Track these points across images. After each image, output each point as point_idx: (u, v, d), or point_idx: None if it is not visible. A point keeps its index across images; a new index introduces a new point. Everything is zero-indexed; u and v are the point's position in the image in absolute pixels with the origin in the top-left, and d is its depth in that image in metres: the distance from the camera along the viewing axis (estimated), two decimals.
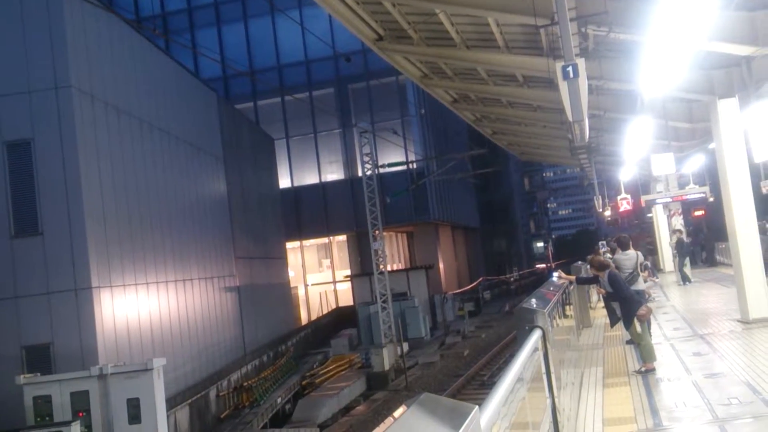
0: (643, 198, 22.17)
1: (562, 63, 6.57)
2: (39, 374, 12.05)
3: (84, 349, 13.19)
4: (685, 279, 19.62)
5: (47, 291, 13.37)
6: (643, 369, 8.89)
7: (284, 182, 33.70)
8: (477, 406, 2.32)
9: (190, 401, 15.94)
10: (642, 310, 9.04)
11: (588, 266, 10.16)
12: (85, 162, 13.94)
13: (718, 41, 8.94)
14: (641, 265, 11.47)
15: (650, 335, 10.86)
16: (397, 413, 2.34)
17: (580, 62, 6.58)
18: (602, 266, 9.97)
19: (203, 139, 21.48)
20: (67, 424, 10.89)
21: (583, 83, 6.61)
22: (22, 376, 11.87)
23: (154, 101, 18.02)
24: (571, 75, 6.48)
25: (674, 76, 9.90)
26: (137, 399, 11.95)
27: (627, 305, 9.15)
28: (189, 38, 34.88)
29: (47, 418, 11.56)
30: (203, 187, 21.21)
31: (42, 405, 11.70)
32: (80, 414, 11.65)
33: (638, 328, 9.06)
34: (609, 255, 14.52)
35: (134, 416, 11.92)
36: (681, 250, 20.26)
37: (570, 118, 6.84)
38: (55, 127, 13.65)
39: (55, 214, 13.55)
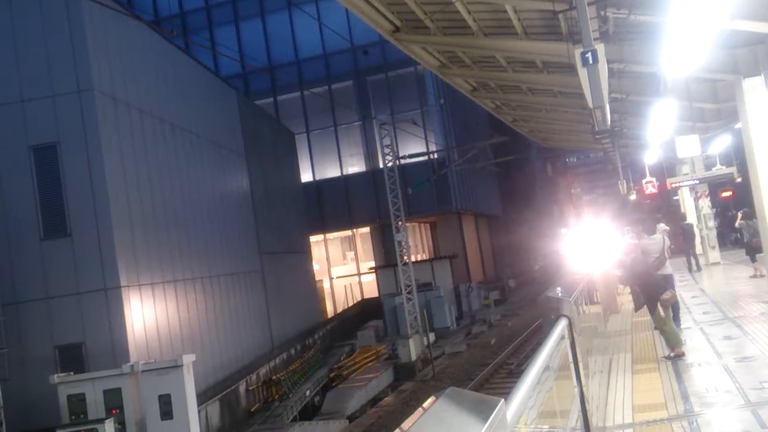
0: (669, 181, 21.85)
1: (581, 49, 6.48)
2: (72, 373, 12.28)
3: (115, 347, 13.41)
4: (691, 266, 19.18)
5: (77, 291, 13.60)
6: (672, 355, 8.79)
7: (306, 176, 33.83)
8: (503, 400, 2.32)
9: (220, 396, 16.15)
10: (666, 295, 8.93)
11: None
12: (109, 163, 14.13)
13: (741, 19, 8.75)
14: (667, 249, 11.34)
15: (679, 321, 10.78)
16: (423, 407, 2.35)
17: (600, 47, 6.48)
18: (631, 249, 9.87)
19: (225, 136, 21.63)
20: (101, 421, 11.09)
21: (602, 69, 6.51)
22: (55, 376, 12.10)
23: (175, 101, 18.18)
24: (591, 61, 6.38)
25: (697, 56, 9.72)
26: (168, 395, 12.12)
27: (649, 290, 9.06)
28: (208, 36, 35.08)
29: (81, 416, 11.79)
30: (226, 183, 21.37)
31: (76, 403, 11.93)
32: (113, 411, 11.85)
33: (662, 313, 8.95)
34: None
35: (166, 412, 12.10)
36: (688, 236, 19.86)
37: (590, 105, 6.75)
38: (79, 130, 13.85)
39: (82, 215, 13.77)
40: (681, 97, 14.40)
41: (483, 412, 2.24)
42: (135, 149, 15.40)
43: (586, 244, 15.62)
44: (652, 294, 9.01)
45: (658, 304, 8.94)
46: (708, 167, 21.79)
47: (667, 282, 11.13)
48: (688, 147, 16.07)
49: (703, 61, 10.24)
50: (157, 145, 16.60)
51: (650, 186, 28.79)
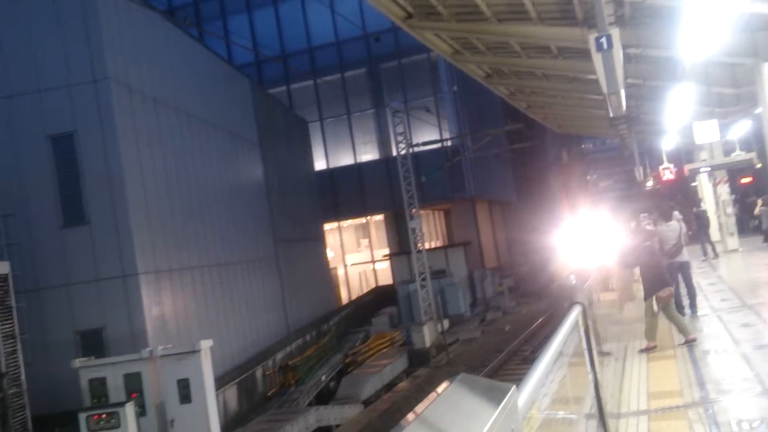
0: (687, 167, 21.64)
1: (596, 34, 6.41)
2: (93, 358, 12.49)
3: (134, 332, 13.61)
4: (707, 253, 18.99)
5: (96, 278, 13.79)
6: (644, 347, 8.87)
7: (320, 164, 33.87)
8: (514, 386, 2.35)
9: (237, 380, 16.33)
10: (663, 292, 8.93)
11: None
12: (126, 152, 14.25)
13: (761, 1, 8.62)
14: (684, 235, 11.28)
15: (696, 308, 10.73)
16: (435, 393, 2.38)
17: (614, 32, 6.41)
18: (646, 237, 9.87)
19: (239, 125, 21.71)
20: (122, 405, 11.27)
21: (617, 54, 6.45)
22: (77, 360, 12.31)
23: (189, 90, 18.26)
24: (605, 46, 6.32)
25: (716, 40, 9.60)
26: (187, 379, 12.30)
27: (649, 281, 9.10)
28: (221, 25, 35.09)
29: (103, 399, 11.99)
30: (241, 172, 21.48)
31: (97, 387, 12.14)
32: (134, 395, 12.04)
33: (655, 307, 8.99)
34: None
35: (185, 396, 12.28)
36: (701, 223, 19.65)
37: (605, 91, 6.69)
38: (95, 119, 13.97)
39: (100, 203, 13.93)
40: (699, 81, 14.22)
41: (495, 398, 2.27)
42: (150, 138, 15.51)
43: (583, 237, 15.70)
44: (651, 287, 9.05)
45: (653, 298, 8.98)
46: (727, 153, 21.53)
47: (687, 268, 11.10)
48: (707, 132, 15.90)
49: (722, 44, 10.11)
50: (172, 133, 16.71)
51: (668, 172, 28.52)
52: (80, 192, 13.99)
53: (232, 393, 15.94)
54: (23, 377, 12.07)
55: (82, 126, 14.01)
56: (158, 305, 14.46)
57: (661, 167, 29.25)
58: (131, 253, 13.85)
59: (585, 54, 13.19)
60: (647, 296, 9.12)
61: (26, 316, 12.63)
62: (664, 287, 8.96)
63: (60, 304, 13.77)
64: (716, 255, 19.01)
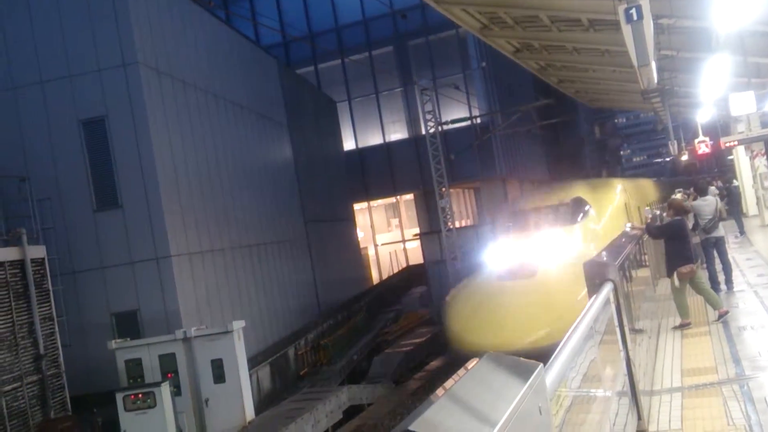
0: (723, 140, 21.10)
1: (625, 5, 6.23)
2: (129, 339, 12.75)
3: (168, 313, 13.85)
4: (742, 230, 18.46)
5: (131, 261, 14.04)
6: (678, 324, 8.75)
7: (349, 144, 33.83)
8: (541, 364, 2.31)
9: (270, 360, 16.55)
10: (684, 269, 8.77)
11: (667, 208, 9.91)
12: (156, 135, 14.40)
13: None
14: (720, 210, 11.04)
15: (731, 283, 10.52)
16: (464, 370, 2.37)
17: (645, 2, 6.21)
18: (681, 210, 9.70)
19: (267, 106, 21.77)
20: (158, 384, 11.52)
21: (648, 25, 6.25)
22: (113, 342, 12.59)
23: (217, 72, 18.34)
24: (635, 17, 6.13)
25: (751, 9, 9.27)
26: (220, 359, 12.51)
27: (672, 256, 8.96)
28: (248, 6, 35.08)
29: (139, 380, 12.27)
30: (270, 153, 21.57)
31: (133, 367, 12.42)
32: (169, 375, 12.30)
33: (676, 283, 8.83)
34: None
35: (219, 376, 12.50)
36: (732, 198, 19.06)
37: (635, 63, 6.51)
38: (126, 103, 14.13)
39: (132, 187, 14.13)
40: (735, 52, 13.79)
41: (522, 375, 2.24)
42: (180, 120, 15.64)
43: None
44: (673, 263, 8.91)
45: (675, 274, 8.82)
46: (765, 125, 20.91)
47: (721, 244, 10.87)
48: (743, 104, 15.43)
49: (758, 13, 9.76)
50: (201, 116, 16.83)
51: (703, 146, 27.87)
52: (112, 176, 14.20)
53: (265, 372, 16.17)
54: (61, 359, 12.40)
55: (113, 110, 14.19)
56: (191, 287, 14.68)
57: (696, 141, 28.59)
58: (164, 236, 14.05)
59: (616, 26, 12.89)
60: (669, 273, 8.99)
61: (63, 299, 12.93)
62: (686, 264, 8.80)
63: (95, 286, 14.06)
64: (742, 232, 18.48)
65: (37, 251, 12.21)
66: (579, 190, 15.46)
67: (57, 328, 12.37)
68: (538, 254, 12.64)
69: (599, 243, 12.02)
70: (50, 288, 12.33)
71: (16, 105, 14.36)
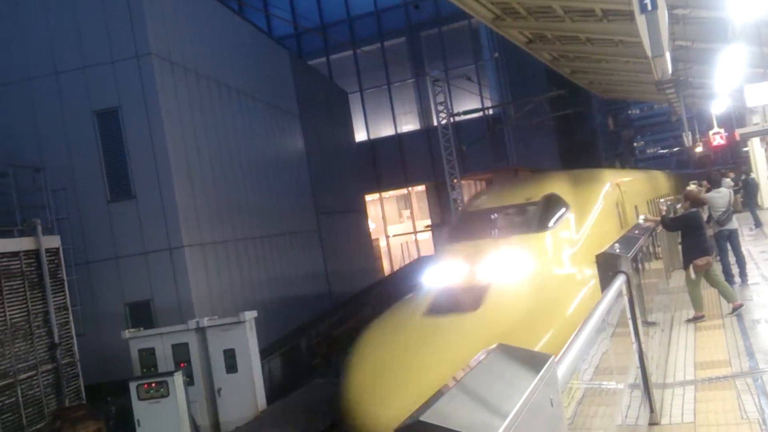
0: (738, 131, 20.89)
1: None
2: (142, 329, 12.86)
3: (181, 303, 13.95)
4: (758, 223, 18.20)
5: (144, 251, 14.14)
6: (691, 317, 8.71)
7: (360, 135, 33.80)
8: (552, 356, 2.31)
9: (282, 351, 16.63)
10: (700, 261, 8.72)
11: (682, 198, 9.83)
12: (169, 126, 14.45)
13: None
14: (734, 202, 10.95)
15: (746, 276, 10.43)
16: (475, 361, 2.37)
17: None
18: (697, 202, 9.64)
19: (279, 97, 21.78)
20: (171, 374, 11.61)
21: (662, 15, 6.18)
22: (127, 331, 12.70)
23: (230, 63, 18.36)
24: (650, 7, 6.07)
25: None
26: (233, 349, 12.58)
27: (688, 249, 8.90)
28: None
29: (152, 369, 12.38)
30: (282, 144, 21.60)
31: (147, 357, 12.53)
32: (182, 364, 12.39)
33: (692, 275, 8.77)
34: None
35: (231, 366, 12.59)
36: (749, 190, 18.78)
37: (649, 54, 6.45)
38: (139, 95, 14.19)
39: (145, 177, 14.21)
40: (751, 42, 13.63)
41: (533, 367, 2.24)
42: (193, 112, 15.69)
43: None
44: (689, 255, 8.87)
45: (691, 266, 8.77)
46: None
47: (734, 236, 10.78)
48: (759, 95, 15.28)
49: None
50: (214, 107, 16.87)
51: (718, 137, 27.61)
52: (126, 167, 14.29)
53: (276, 363, 16.25)
54: (76, 348, 12.52)
55: (126, 101, 14.26)
56: (204, 277, 14.77)
57: (711, 132, 28.32)
58: (177, 226, 14.13)
59: (630, 16, 12.76)
60: (685, 265, 8.94)
61: (77, 288, 13.05)
62: (702, 256, 8.74)
63: (109, 276, 14.18)
64: (757, 224, 18.26)
65: (52, 241, 12.32)
66: (555, 184, 11.18)
67: (71, 318, 12.48)
68: (489, 275, 8.93)
69: (579, 257, 9.36)
70: (65, 278, 12.43)
71: (31, 96, 14.46)
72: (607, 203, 11.53)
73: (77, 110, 14.33)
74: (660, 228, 10.85)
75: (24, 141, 14.21)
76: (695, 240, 8.90)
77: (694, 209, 9.34)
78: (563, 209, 10.20)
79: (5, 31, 14.54)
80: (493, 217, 10.40)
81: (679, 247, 13.12)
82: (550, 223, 9.90)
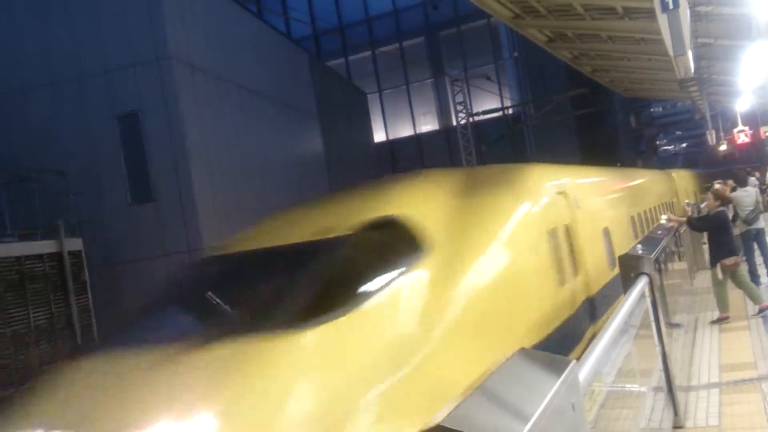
0: (763, 129, 20.56)
1: None
2: None
3: None
4: None
5: (165, 253, 14.23)
6: (715, 318, 8.58)
7: (379, 136, 33.80)
8: (574, 360, 2.27)
9: None
10: (729, 261, 8.58)
11: (709, 197, 9.68)
12: (189, 129, 14.56)
13: None
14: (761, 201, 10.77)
15: (764, 280, 10.26)
16: (496, 365, 2.34)
17: None
18: (726, 201, 9.50)
19: (298, 98, 21.84)
20: None
21: (684, 14, 6.08)
22: None
23: (249, 66, 18.45)
24: (671, 5, 5.98)
25: None
26: None
27: (716, 248, 8.77)
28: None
29: None
30: (301, 145, 21.66)
31: None
32: None
33: (719, 275, 8.63)
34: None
35: None
36: None
37: (670, 53, 6.36)
38: (159, 98, 14.31)
39: (165, 180, 14.32)
40: None
41: (554, 371, 2.21)
42: (213, 114, 15.78)
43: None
44: (717, 254, 8.75)
45: (718, 266, 8.62)
46: None
47: (762, 235, 10.60)
48: None
49: None
50: (233, 109, 16.96)
51: (743, 135, 27.20)
52: (147, 170, 14.42)
53: None
54: None
55: (147, 105, 14.38)
56: None
57: (735, 130, 27.91)
58: (197, 229, 14.22)
59: (652, 14, 12.60)
60: (713, 264, 8.81)
61: (100, 290, 13.17)
62: (730, 255, 8.60)
63: (131, 279, 14.30)
64: None
65: (74, 244, 12.45)
66: (410, 198, 5.19)
67: (94, 320, 12.61)
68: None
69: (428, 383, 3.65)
70: (87, 280, 12.57)
71: (53, 100, 14.65)
72: (528, 237, 5.82)
73: (99, 114, 14.49)
74: (684, 228, 10.70)
75: (47, 145, 14.39)
76: (722, 239, 8.77)
77: (721, 208, 9.19)
78: (402, 258, 4.29)
79: (29, 37, 14.75)
80: (232, 277, 4.56)
81: (704, 247, 12.99)
82: (348, 302, 3.70)
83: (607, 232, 8.81)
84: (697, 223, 9.65)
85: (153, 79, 14.30)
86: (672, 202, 20.32)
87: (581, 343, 6.12)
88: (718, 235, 8.84)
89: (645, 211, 13.46)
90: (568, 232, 6.83)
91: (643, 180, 16.58)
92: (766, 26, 12.63)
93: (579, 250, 7.00)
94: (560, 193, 7.08)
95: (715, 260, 8.78)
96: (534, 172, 7.25)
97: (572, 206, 7.28)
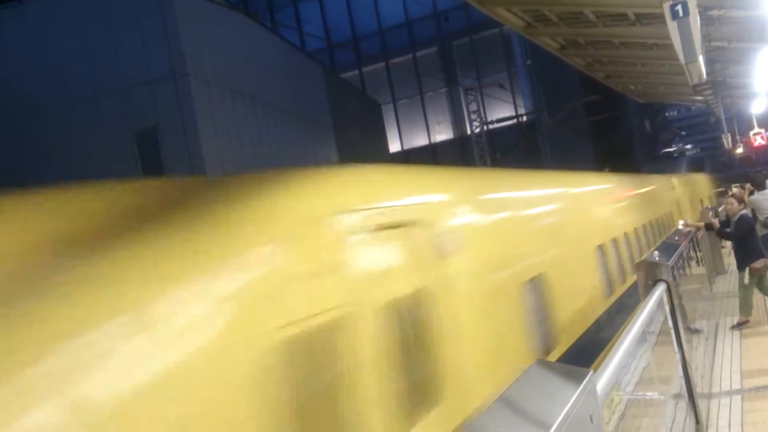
0: None
1: (670, 2, 6.10)
2: None
3: None
4: None
5: None
6: (736, 322, 8.45)
7: (394, 146, 33.92)
8: (591, 371, 2.31)
9: None
10: (758, 263, 8.49)
11: (730, 200, 9.57)
12: (206, 144, 14.74)
13: None
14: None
15: None
16: (515, 376, 2.39)
17: None
18: (742, 201, 9.44)
19: (313, 111, 22.02)
20: None
21: (694, 21, 6.10)
22: None
23: (265, 80, 18.65)
24: (681, 13, 6.00)
25: None
26: None
27: (743, 251, 8.66)
28: (293, 12, 35.55)
29: None
30: (316, 158, 21.80)
31: None
32: None
33: (746, 279, 8.54)
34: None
35: None
36: None
37: (682, 60, 6.37)
38: (176, 114, 14.51)
39: None
40: None
41: (573, 381, 2.24)
42: (229, 128, 15.96)
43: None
44: (745, 258, 8.64)
45: (747, 269, 8.54)
46: None
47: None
48: None
49: None
50: (249, 122, 17.14)
51: (759, 138, 26.97)
52: None
53: None
54: None
55: (164, 121, 14.60)
56: None
57: (751, 133, 27.68)
58: None
59: (663, 19, 12.58)
60: (741, 267, 8.71)
61: None
62: (759, 258, 8.52)
63: None
64: None
65: None
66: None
67: None
68: None
69: None
70: None
71: (72, 117, 14.89)
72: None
73: (117, 130, 14.71)
74: (702, 233, 10.64)
75: (66, 161, 14.63)
76: (750, 242, 8.70)
77: (743, 212, 9.12)
78: None
79: (47, 57, 15.03)
80: None
81: (723, 251, 12.88)
82: None
83: (523, 298, 5.01)
84: (728, 232, 9.38)
85: (170, 96, 14.51)
86: (664, 220, 14.94)
87: None
88: (746, 238, 8.76)
89: (622, 239, 9.57)
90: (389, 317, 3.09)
91: (614, 193, 11.41)
92: None
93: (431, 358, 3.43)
94: (391, 227, 3.40)
95: (743, 264, 8.66)
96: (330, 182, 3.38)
97: (420, 249, 3.58)
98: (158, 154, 14.63)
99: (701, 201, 25.61)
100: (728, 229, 9.38)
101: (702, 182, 31.63)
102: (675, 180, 20.43)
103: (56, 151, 14.83)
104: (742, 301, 8.59)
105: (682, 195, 20.08)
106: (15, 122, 14.93)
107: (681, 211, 17.58)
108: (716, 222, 9.57)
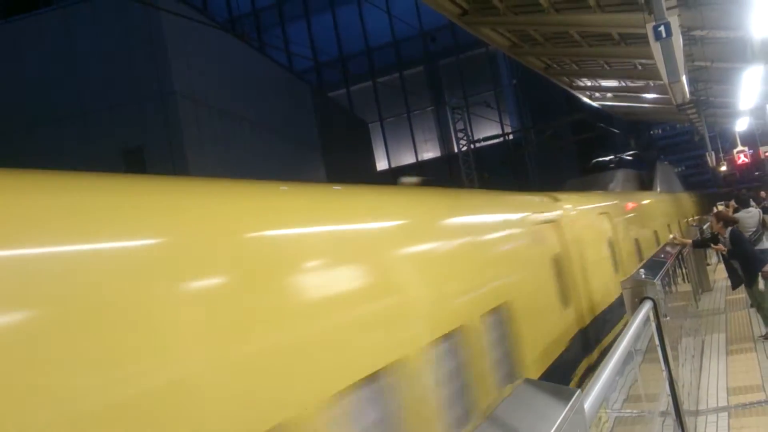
0: (762, 149, 20.67)
1: (654, 22, 6.21)
2: None
3: None
4: None
5: None
6: (763, 334, 8.43)
7: (382, 164, 34.04)
8: (579, 390, 2.32)
9: None
10: (767, 267, 8.51)
11: (712, 219, 9.60)
12: (193, 163, 14.72)
13: None
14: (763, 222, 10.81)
15: None
16: (503, 395, 2.40)
17: (673, 20, 6.19)
18: (729, 221, 9.45)
19: (301, 130, 22.08)
20: None
21: (677, 42, 6.21)
22: None
23: (252, 100, 18.70)
24: (664, 34, 6.11)
25: None
26: None
27: (750, 264, 8.63)
28: (280, 32, 35.77)
29: None
30: (304, 177, 21.82)
31: None
32: None
33: (761, 286, 8.53)
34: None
35: None
36: None
37: (665, 80, 6.48)
38: (163, 134, 14.51)
39: None
40: None
41: (560, 400, 2.26)
42: (216, 148, 15.97)
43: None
44: (751, 268, 8.54)
45: (759, 278, 8.52)
46: None
47: (766, 256, 10.59)
48: None
49: None
50: (237, 142, 17.15)
51: (742, 156, 27.34)
52: None
53: None
54: None
55: (151, 140, 14.57)
56: None
57: (735, 151, 28.07)
58: None
59: (647, 39, 12.78)
60: (751, 281, 8.54)
61: None
62: (765, 262, 8.52)
63: None
64: None
65: None
66: None
67: None
68: None
69: None
70: None
71: (59, 137, 14.84)
72: None
73: (105, 149, 14.67)
74: (687, 249, 10.72)
75: None
76: (750, 252, 8.73)
77: (734, 226, 9.13)
78: None
79: (34, 76, 15.01)
80: None
81: (707, 268, 12.98)
82: None
83: None
84: (735, 250, 9.04)
85: (157, 115, 14.52)
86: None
87: None
88: (746, 252, 8.78)
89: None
90: None
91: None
92: (761, 49, 12.82)
93: None
94: None
95: (753, 275, 8.57)
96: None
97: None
98: (144, 173, 14.59)
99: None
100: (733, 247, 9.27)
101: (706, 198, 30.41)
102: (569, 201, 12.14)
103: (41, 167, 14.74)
104: (766, 313, 8.47)
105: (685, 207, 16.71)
106: (2, 140, 14.86)
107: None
108: (722, 247, 9.42)
